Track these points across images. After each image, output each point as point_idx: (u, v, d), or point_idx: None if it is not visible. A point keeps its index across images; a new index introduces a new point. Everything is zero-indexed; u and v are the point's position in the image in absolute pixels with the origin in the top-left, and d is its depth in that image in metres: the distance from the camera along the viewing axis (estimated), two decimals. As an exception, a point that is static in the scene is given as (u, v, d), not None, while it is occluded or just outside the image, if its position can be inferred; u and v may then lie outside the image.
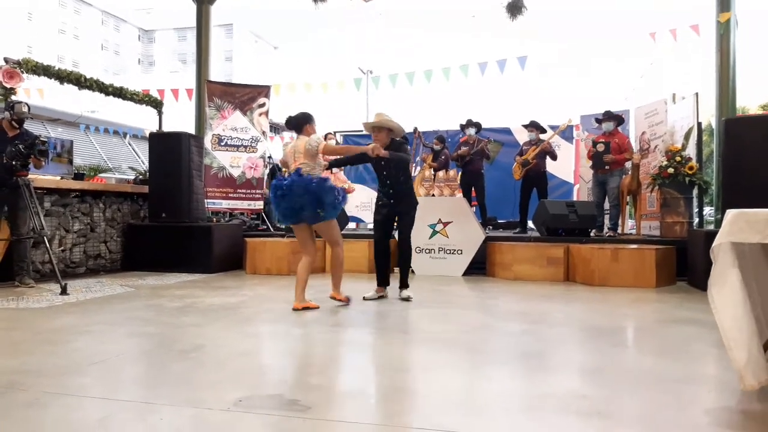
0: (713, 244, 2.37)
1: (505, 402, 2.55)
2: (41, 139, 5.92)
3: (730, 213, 2.33)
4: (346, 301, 4.93)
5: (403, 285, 5.40)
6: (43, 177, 6.64)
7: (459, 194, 8.79)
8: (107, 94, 7.95)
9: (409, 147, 5.43)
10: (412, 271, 7.38)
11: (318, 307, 4.76)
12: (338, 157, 5.47)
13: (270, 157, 11.52)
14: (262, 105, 9.42)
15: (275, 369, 3.13)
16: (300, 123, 4.88)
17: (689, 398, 2.62)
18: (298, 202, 4.61)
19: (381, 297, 5.38)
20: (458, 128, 9.38)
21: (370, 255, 7.45)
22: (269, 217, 10.35)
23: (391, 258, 5.55)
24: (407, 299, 5.24)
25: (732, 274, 2.35)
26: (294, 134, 5.01)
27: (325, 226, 4.82)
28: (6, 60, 6.66)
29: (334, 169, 9.73)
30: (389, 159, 5.04)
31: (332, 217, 4.80)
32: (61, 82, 7.29)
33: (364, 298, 5.28)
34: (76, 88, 7.52)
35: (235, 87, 9.74)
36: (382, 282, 5.44)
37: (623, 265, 6.30)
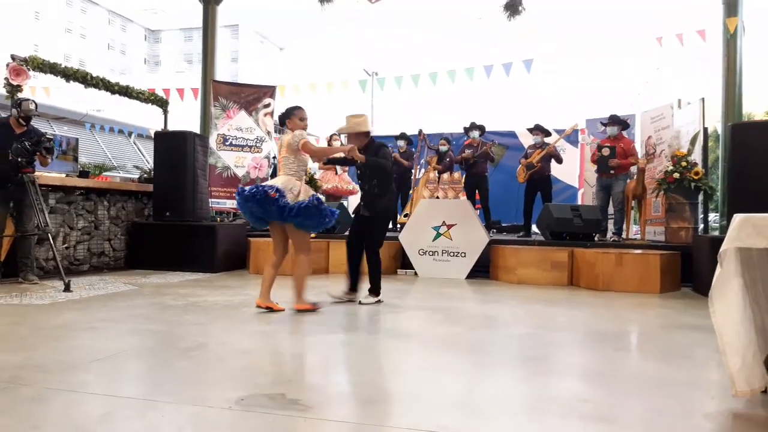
0: (721, 249, 2.35)
1: (507, 404, 2.54)
2: (47, 136, 5.94)
3: (738, 218, 2.32)
4: (313, 308, 4.69)
5: (372, 291, 5.18)
6: (48, 174, 6.66)
7: (463, 197, 8.78)
8: (113, 92, 7.97)
9: (389, 150, 5.31)
10: (415, 274, 7.37)
11: (283, 310, 4.66)
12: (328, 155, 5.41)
13: (274, 157, 11.54)
14: (267, 105, 9.44)
15: (277, 368, 3.13)
16: (284, 117, 4.80)
17: (692, 404, 2.61)
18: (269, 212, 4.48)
19: (349, 300, 5.18)
20: (463, 131, 9.38)
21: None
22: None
23: (360, 263, 5.27)
24: (360, 303, 5.06)
25: (735, 281, 2.34)
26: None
27: (292, 230, 4.62)
28: (13, 57, 6.68)
29: (339, 170, 9.74)
30: (365, 164, 4.98)
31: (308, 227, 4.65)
32: (67, 80, 7.31)
33: (328, 293, 5.30)
34: (82, 86, 7.53)
35: (240, 87, 9.75)
36: (351, 286, 5.26)
37: (627, 270, 6.28)
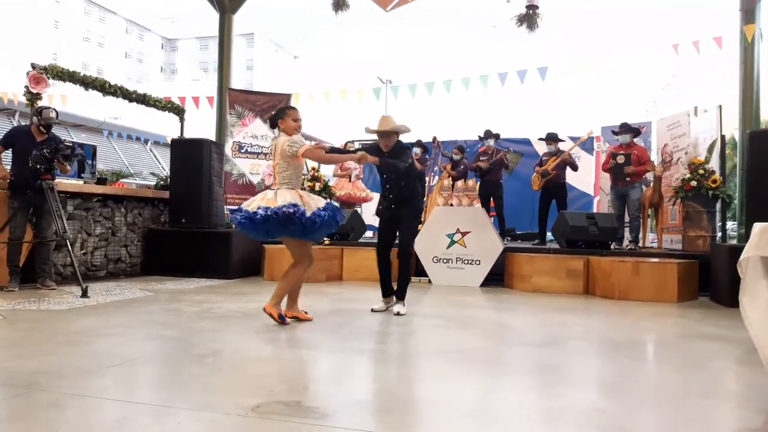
0: (741, 258, 2.33)
1: (524, 414, 2.52)
2: (66, 143, 6.02)
3: (758, 226, 2.29)
4: (279, 321, 4.37)
5: (399, 297, 5.09)
6: (66, 181, 6.74)
7: (477, 204, 8.76)
8: (131, 100, 8.06)
9: (411, 152, 5.20)
10: (429, 281, 7.35)
11: (311, 319, 4.57)
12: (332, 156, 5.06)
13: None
14: (283, 113, 9.49)
15: (292, 376, 3.13)
16: (275, 119, 4.44)
17: (711, 415, 2.57)
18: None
19: (389, 308, 5.14)
20: (477, 138, 9.36)
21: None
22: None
23: (391, 268, 5.18)
24: (398, 314, 4.89)
25: (762, 284, 2.31)
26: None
27: (288, 240, 4.40)
28: (33, 66, 6.79)
29: (353, 177, 9.75)
30: (383, 167, 4.84)
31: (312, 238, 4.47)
32: (86, 88, 7.41)
33: (372, 310, 5.10)
34: (101, 94, 7.63)
35: (256, 95, 9.83)
36: (386, 293, 5.18)
37: (644, 278, 6.21)
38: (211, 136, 9.79)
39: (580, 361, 3.60)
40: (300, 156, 4.25)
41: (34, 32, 35.48)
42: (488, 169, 8.69)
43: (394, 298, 5.16)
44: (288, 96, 9.76)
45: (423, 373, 3.27)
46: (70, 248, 5.79)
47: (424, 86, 11.23)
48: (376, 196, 10.52)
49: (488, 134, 8.94)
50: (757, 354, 3.72)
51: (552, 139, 8.61)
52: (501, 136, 9.15)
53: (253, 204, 4.26)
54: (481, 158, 8.85)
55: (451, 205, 8.30)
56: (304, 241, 4.39)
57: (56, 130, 6.25)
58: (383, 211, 5.13)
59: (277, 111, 4.50)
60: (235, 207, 4.91)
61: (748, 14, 8.27)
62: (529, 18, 8.63)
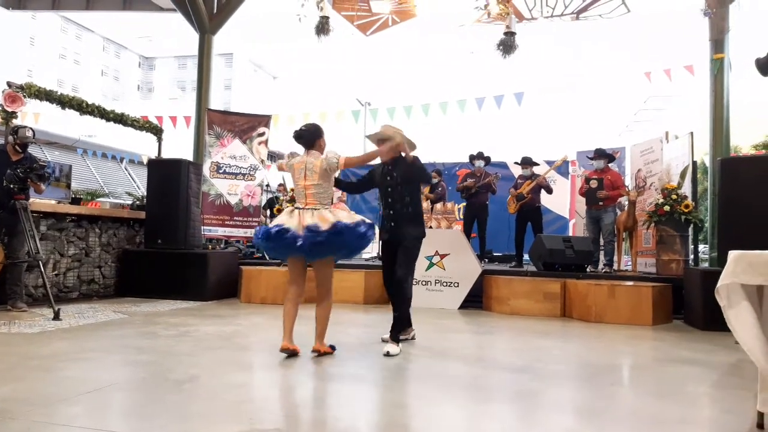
0: (718, 285, 2.38)
1: (505, 440, 2.52)
2: (40, 163, 5.93)
3: (733, 254, 2.35)
4: (331, 351, 4.22)
5: (392, 337, 4.43)
6: (40, 201, 6.62)
7: (456, 226, 8.81)
8: (108, 120, 7.98)
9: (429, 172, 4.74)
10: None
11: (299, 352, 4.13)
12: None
13: (267, 185, 11.57)
14: (262, 134, 9.48)
15: (272, 402, 3.09)
16: (313, 137, 4.20)
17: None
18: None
19: (413, 337, 4.81)
20: (453, 162, 9.45)
21: (366, 285, 7.42)
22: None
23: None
24: (387, 354, 4.21)
25: (744, 305, 2.37)
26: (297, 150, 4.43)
27: (325, 265, 4.17)
28: (9, 84, 6.70)
29: (334, 199, 9.74)
30: (397, 176, 4.48)
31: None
32: (63, 108, 7.32)
33: (398, 340, 4.46)
34: (78, 113, 7.55)
35: (235, 116, 9.81)
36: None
37: (620, 301, 6.29)
38: (188, 155, 9.73)
39: (560, 386, 3.62)
40: (342, 166, 4.12)
41: (9, 48, 35.06)
42: (475, 192, 8.77)
43: (412, 326, 4.75)
44: (268, 117, 9.75)
45: (403, 399, 3.25)
46: (42, 269, 5.67)
47: (403, 109, 11.35)
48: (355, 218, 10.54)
49: (479, 156, 9.02)
50: (734, 377, 3.80)
51: (527, 162, 8.73)
52: (491, 160, 9.25)
53: (302, 223, 3.92)
54: (469, 179, 8.92)
55: (430, 227, 8.33)
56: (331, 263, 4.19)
57: (30, 149, 6.15)
58: (381, 231, 4.71)
59: (316, 128, 4.26)
60: (258, 228, 4.39)
61: (717, 44, 8.53)
62: (505, 44, 8.78)
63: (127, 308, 6.41)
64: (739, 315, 2.41)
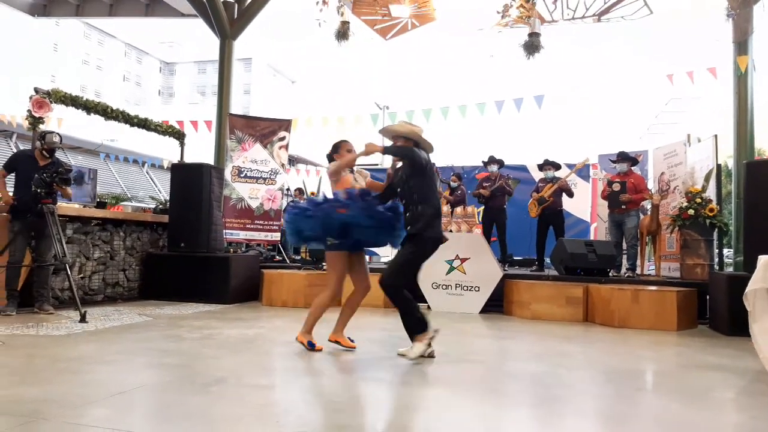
0: (747, 290, 2.35)
1: (531, 446, 2.51)
2: (65, 167, 6.03)
3: (763, 259, 2.32)
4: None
5: (410, 338, 4.29)
6: (66, 205, 6.74)
7: (477, 230, 8.78)
8: (132, 125, 8.09)
9: (420, 153, 4.30)
10: (428, 307, 7.32)
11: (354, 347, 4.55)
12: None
13: (288, 189, 11.63)
14: (283, 138, 9.55)
15: (297, 405, 3.11)
16: (330, 154, 4.65)
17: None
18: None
19: (432, 338, 4.29)
20: (473, 165, 9.44)
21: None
22: (285, 248, 10.38)
23: (413, 298, 4.35)
24: (401, 355, 4.26)
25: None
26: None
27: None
28: (36, 90, 6.83)
29: None
30: (402, 173, 4.33)
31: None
32: (89, 113, 7.44)
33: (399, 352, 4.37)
34: (103, 118, 7.67)
35: (256, 120, 9.88)
36: (416, 329, 4.31)
37: (644, 306, 6.22)
38: (209, 159, 9.81)
39: (583, 391, 3.59)
40: (330, 176, 4.47)
41: (33, 54, 35.70)
42: (491, 195, 8.77)
43: (430, 329, 4.30)
44: (288, 121, 9.82)
45: (424, 403, 3.25)
46: (69, 272, 5.76)
47: (422, 112, 11.35)
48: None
49: (492, 160, 9.01)
50: (761, 384, 3.73)
51: (550, 164, 8.68)
52: (505, 163, 9.24)
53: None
54: (484, 184, 8.92)
55: (450, 231, 8.31)
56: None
57: (57, 153, 6.26)
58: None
59: (333, 146, 4.63)
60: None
61: (741, 46, 8.42)
62: (530, 45, 8.74)
63: (152, 311, 6.49)
64: (763, 329, 2.38)
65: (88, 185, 7.48)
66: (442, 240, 4.33)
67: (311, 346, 4.39)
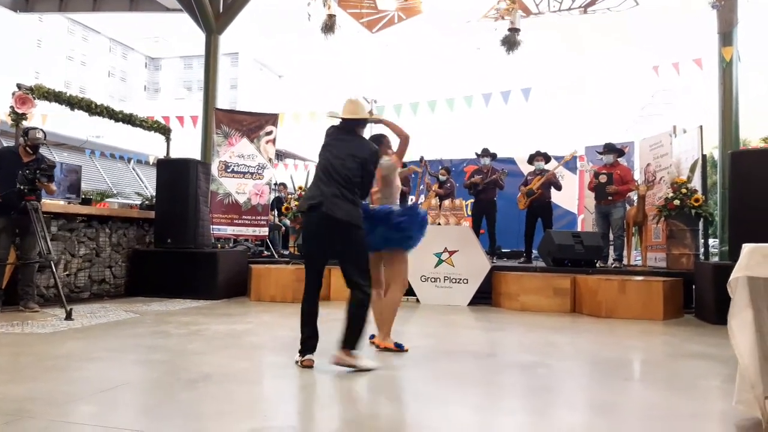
0: (731, 278, 2.37)
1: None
2: (48, 163, 5.96)
3: (747, 247, 2.34)
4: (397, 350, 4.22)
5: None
6: (50, 201, 6.66)
7: (465, 223, 8.80)
8: (117, 120, 8.01)
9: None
10: (417, 300, 7.32)
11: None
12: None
13: (275, 184, 11.58)
14: (270, 133, 9.50)
15: (285, 399, 3.10)
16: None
17: (705, 435, 2.59)
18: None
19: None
20: (461, 158, 9.43)
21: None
22: (273, 243, 10.35)
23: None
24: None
25: (748, 312, 2.36)
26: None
27: (398, 255, 4.21)
28: (19, 86, 6.74)
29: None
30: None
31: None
32: (73, 109, 7.35)
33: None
34: (87, 114, 7.58)
35: (242, 115, 9.82)
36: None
37: (630, 296, 6.27)
38: (195, 154, 9.74)
39: (572, 381, 3.62)
40: (396, 161, 4.28)
41: (17, 51, 35.26)
42: (482, 188, 8.76)
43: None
44: (275, 116, 9.76)
45: (415, 396, 3.26)
46: (54, 270, 5.70)
47: (410, 106, 11.33)
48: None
49: (485, 153, 9.01)
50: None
51: (540, 155, 8.68)
52: (498, 156, 9.23)
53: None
54: (476, 175, 8.90)
55: (439, 223, 8.32)
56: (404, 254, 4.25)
57: (40, 150, 6.18)
58: None
59: (376, 140, 4.34)
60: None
61: (726, 37, 8.48)
62: (509, 41, 8.75)
63: (138, 308, 6.45)
64: (742, 326, 2.40)
65: (64, 178, 7.34)
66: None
67: (400, 347, 4.21)
